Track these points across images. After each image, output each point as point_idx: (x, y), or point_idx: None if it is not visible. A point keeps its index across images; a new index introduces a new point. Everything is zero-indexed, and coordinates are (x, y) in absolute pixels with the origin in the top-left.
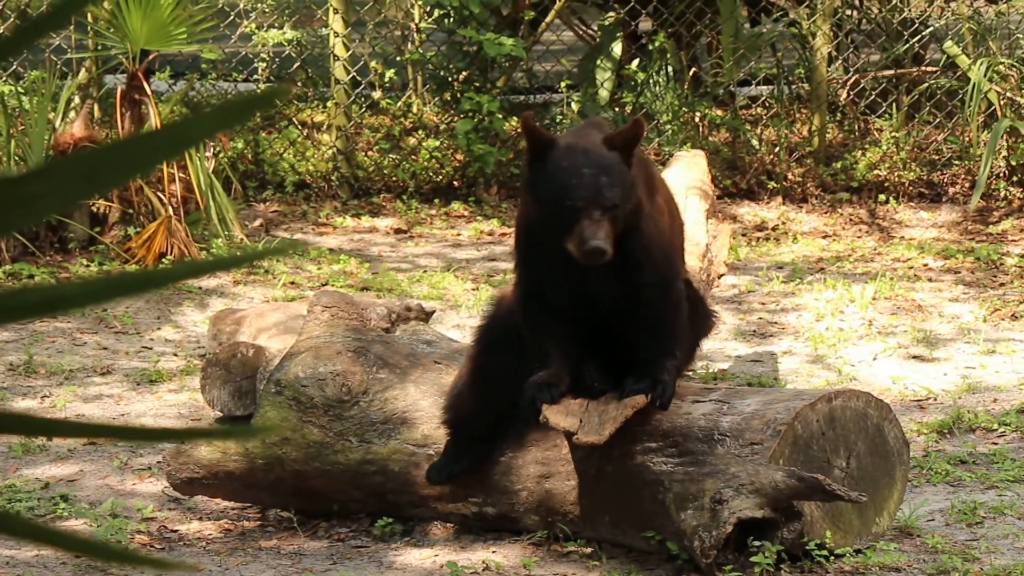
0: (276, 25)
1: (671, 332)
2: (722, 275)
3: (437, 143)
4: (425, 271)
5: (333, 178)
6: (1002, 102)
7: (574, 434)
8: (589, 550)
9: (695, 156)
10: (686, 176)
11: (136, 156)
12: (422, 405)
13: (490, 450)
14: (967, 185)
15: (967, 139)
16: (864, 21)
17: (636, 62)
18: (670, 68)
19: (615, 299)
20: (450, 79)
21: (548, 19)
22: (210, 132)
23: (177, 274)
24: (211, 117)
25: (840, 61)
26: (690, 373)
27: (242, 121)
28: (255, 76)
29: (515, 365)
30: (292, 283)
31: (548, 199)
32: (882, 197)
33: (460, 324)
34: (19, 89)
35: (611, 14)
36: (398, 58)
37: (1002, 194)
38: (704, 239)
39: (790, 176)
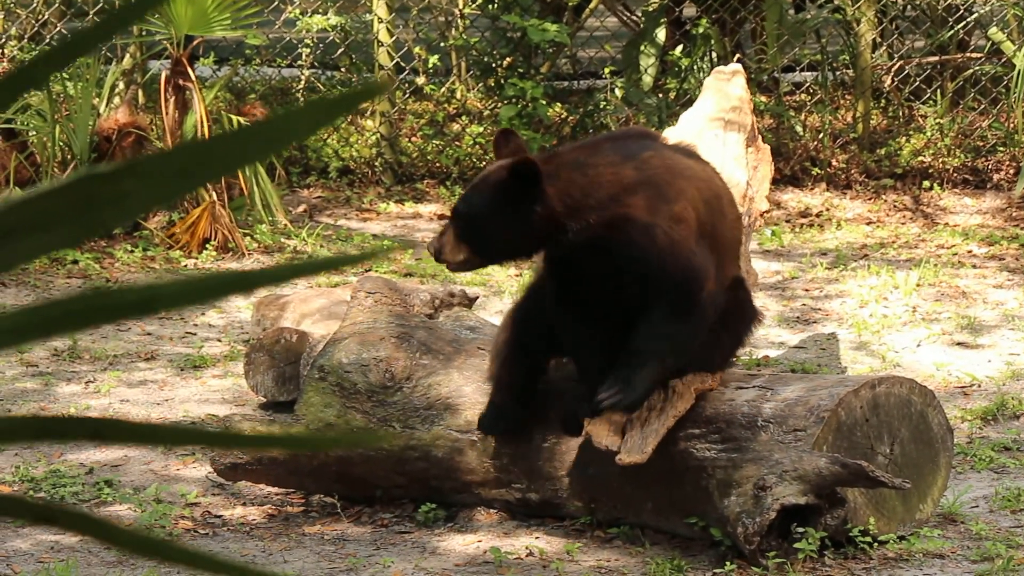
0: (320, 11)
1: (668, 337)
2: (765, 212)
3: (481, 129)
4: None
5: (377, 164)
6: None
7: (616, 453)
8: (632, 536)
9: (728, 80)
10: (714, 107)
11: (231, 152)
12: (465, 391)
13: (527, 406)
14: (1012, 171)
15: (1012, 125)
16: (909, 7)
17: (680, 48)
18: (714, 54)
19: (623, 306)
20: (494, 65)
21: (592, 5)
22: (308, 128)
23: (281, 274)
24: (309, 112)
25: (885, 47)
26: (732, 360)
27: (340, 116)
28: (299, 62)
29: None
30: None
31: None
32: (926, 183)
33: (503, 310)
34: (64, 75)
35: (655, 0)
36: (442, 44)
37: None
38: (744, 176)
39: (834, 162)
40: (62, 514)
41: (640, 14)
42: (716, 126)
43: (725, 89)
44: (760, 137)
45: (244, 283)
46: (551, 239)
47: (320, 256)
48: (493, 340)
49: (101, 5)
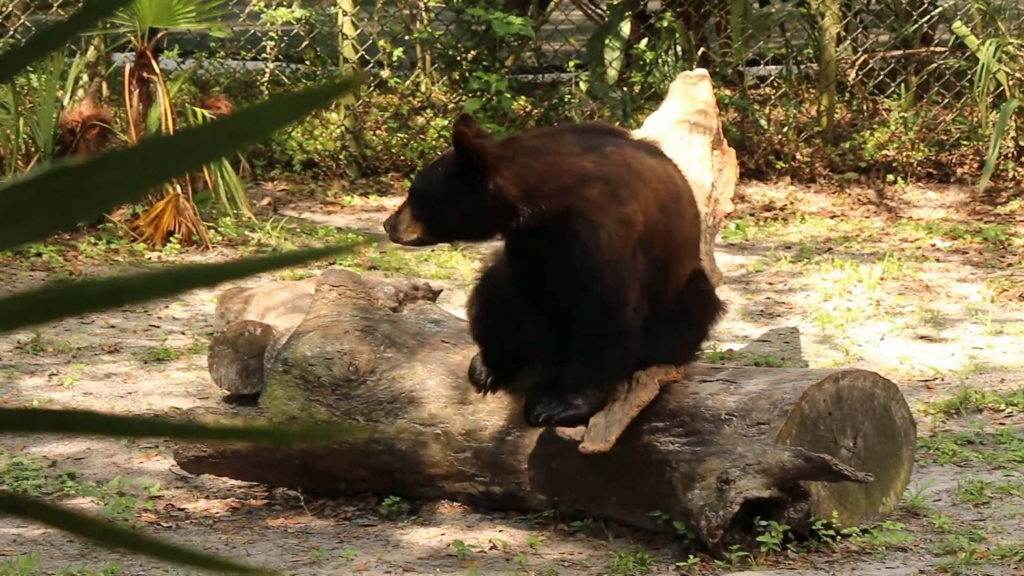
0: (285, 3)
1: (603, 363)
2: (729, 214)
3: (445, 122)
4: (433, 250)
5: (341, 157)
6: (1011, 82)
7: (579, 442)
8: (596, 529)
9: (695, 84)
10: (680, 110)
11: (202, 146)
12: (429, 384)
13: (500, 371)
14: (975, 166)
15: (976, 119)
16: (873, 1)
17: (645, 42)
18: (679, 48)
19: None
20: (458, 58)
21: None
22: (283, 121)
23: (247, 268)
24: (284, 105)
25: (849, 41)
26: (696, 353)
27: (315, 109)
28: (264, 55)
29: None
30: None
31: None
32: (890, 177)
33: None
34: (27, 67)
35: None
36: (406, 37)
37: (1010, 175)
38: (709, 177)
39: (798, 156)
40: (34, 506)
41: (605, 7)
42: (682, 128)
43: (692, 93)
44: (726, 140)
45: (211, 277)
46: (504, 222)
47: (287, 250)
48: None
49: None
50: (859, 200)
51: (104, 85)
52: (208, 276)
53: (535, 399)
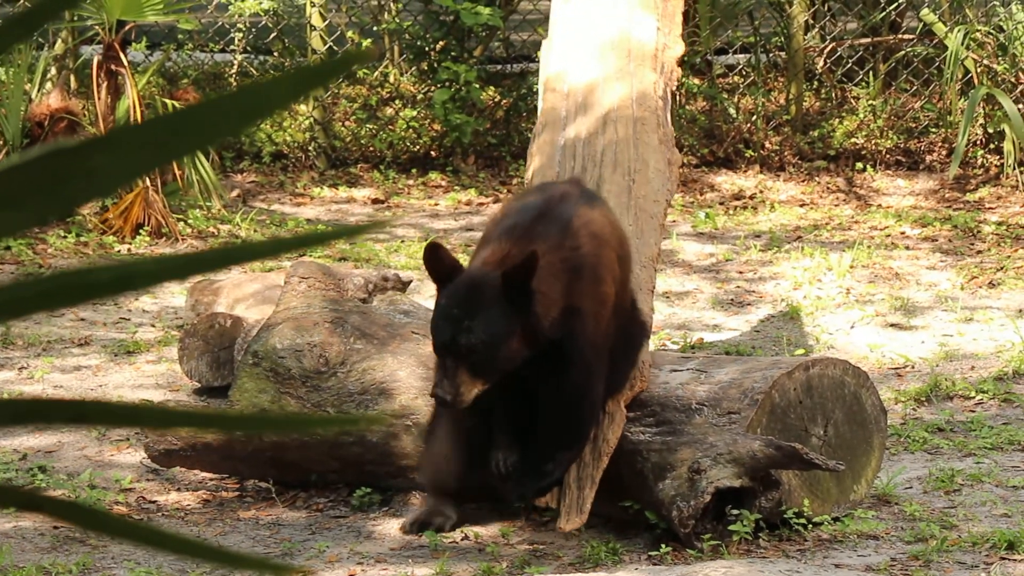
0: None
1: (575, 432)
2: (681, 57)
3: (414, 113)
4: (403, 241)
5: (310, 148)
6: (979, 70)
7: (556, 512)
8: None
9: None
10: None
11: (207, 124)
12: (400, 376)
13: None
14: (944, 153)
15: (944, 107)
16: None
17: None
18: None
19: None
20: (427, 49)
21: None
22: (287, 99)
23: (256, 252)
24: (288, 82)
25: (817, 29)
26: (665, 343)
27: (319, 86)
28: (232, 46)
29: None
30: None
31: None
32: (859, 165)
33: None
34: None
35: None
36: (375, 28)
37: (979, 162)
38: (652, 24)
39: (767, 145)
40: (47, 501)
41: None
42: None
43: None
44: None
45: (223, 259)
46: (536, 338)
47: (312, 231)
48: (427, 441)
49: None
50: (828, 188)
51: (72, 78)
52: (219, 259)
53: (508, 472)
